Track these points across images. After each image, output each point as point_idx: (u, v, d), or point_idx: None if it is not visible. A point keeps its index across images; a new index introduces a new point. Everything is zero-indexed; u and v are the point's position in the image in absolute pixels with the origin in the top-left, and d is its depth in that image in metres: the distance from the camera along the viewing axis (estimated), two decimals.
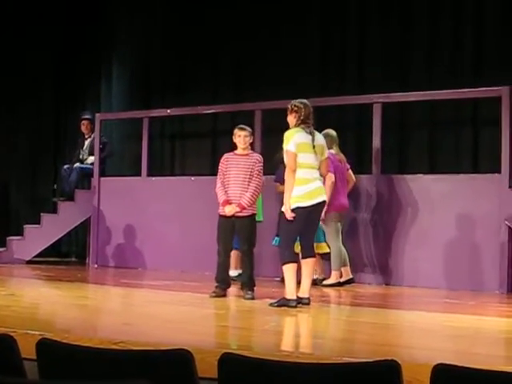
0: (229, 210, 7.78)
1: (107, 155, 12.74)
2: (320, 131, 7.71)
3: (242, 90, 12.66)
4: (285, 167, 7.39)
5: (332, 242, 9.35)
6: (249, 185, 7.85)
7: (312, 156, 7.27)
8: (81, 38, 14.28)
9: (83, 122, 12.93)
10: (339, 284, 9.39)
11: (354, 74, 11.81)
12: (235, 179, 7.88)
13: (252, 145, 10.08)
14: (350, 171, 9.75)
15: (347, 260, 9.51)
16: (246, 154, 8.02)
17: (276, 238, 9.52)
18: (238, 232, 7.92)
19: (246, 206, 7.81)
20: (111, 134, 13.72)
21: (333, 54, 12.03)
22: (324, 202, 7.34)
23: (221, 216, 7.93)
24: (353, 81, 11.74)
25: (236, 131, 8.07)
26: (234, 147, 8.22)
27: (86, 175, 12.81)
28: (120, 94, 14.06)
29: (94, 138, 12.72)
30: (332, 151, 9.34)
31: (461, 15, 11.03)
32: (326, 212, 9.10)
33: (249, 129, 8.14)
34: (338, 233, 9.38)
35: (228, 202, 7.82)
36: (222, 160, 8.09)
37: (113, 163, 13.35)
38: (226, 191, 7.88)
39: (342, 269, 9.50)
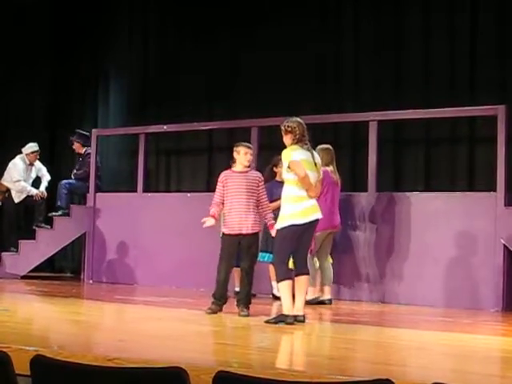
0: (207, 221, 7.76)
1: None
2: (315, 149, 7.67)
3: (238, 107, 12.67)
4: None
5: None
6: (253, 201, 7.79)
7: (311, 173, 7.25)
8: (78, 53, 14.34)
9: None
10: (316, 300, 9.27)
11: (350, 91, 11.83)
12: (239, 198, 7.81)
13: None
14: None
15: (331, 279, 9.43)
16: (246, 172, 7.96)
17: (262, 254, 9.48)
18: (243, 249, 7.84)
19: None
20: (107, 150, 13.75)
21: (328, 72, 12.06)
22: (318, 220, 7.33)
23: (226, 235, 7.89)
24: (349, 98, 11.76)
25: (241, 148, 7.92)
26: (229, 164, 8.18)
27: (72, 191, 12.85)
28: (117, 110, 14.08)
29: (82, 156, 12.76)
30: (329, 169, 9.28)
31: (456, 33, 11.07)
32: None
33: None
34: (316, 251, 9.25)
35: (214, 217, 7.78)
36: (220, 179, 7.94)
37: (108, 179, 13.39)
38: (221, 209, 7.88)
39: (325, 287, 9.42)
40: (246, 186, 7.83)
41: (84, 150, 12.84)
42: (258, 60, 12.45)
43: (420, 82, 11.26)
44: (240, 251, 7.91)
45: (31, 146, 12.83)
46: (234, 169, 8.03)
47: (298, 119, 7.42)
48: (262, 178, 8.07)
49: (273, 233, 7.59)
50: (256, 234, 7.91)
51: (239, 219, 7.79)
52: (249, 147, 7.99)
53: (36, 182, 13.04)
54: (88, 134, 12.98)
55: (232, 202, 7.82)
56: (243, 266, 7.94)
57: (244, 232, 7.79)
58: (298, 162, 7.15)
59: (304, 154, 7.26)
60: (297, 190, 7.19)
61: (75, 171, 12.86)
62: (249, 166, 8.04)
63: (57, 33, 14.60)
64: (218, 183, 7.96)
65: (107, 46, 14.21)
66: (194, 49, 13.16)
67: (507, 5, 10.70)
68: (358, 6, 11.91)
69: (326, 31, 12.09)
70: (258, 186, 7.88)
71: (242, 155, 7.91)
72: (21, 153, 12.85)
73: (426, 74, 11.26)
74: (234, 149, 8.01)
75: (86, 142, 12.84)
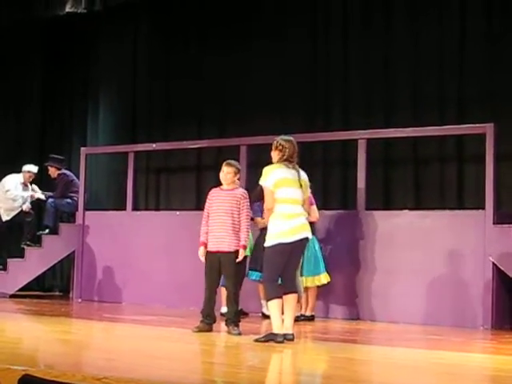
0: (201, 254, 7.89)
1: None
2: (305, 167, 7.65)
3: (227, 125, 12.70)
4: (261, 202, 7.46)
5: None
6: (233, 219, 7.85)
7: (297, 191, 7.25)
8: (67, 73, 14.36)
9: None
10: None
11: (339, 109, 11.85)
12: (218, 214, 7.88)
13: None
14: None
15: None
16: (231, 189, 8.01)
17: (251, 272, 9.46)
18: (223, 268, 7.89)
19: (247, 244, 7.94)
20: (97, 168, 13.73)
21: (318, 90, 12.08)
22: (307, 238, 7.31)
23: (207, 252, 7.93)
24: (338, 117, 11.78)
25: (223, 167, 8.06)
26: (219, 182, 8.21)
27: (59, 210, 12.82)
28: (106, 129, 14.08)
29: (57, 179, 12.74)
30: None
31: (445, 52, 11.12)
32: None
33: (236, 165, 8.11)
34: None
35: (204, 244, 7.88)
36: (208, 196, 8.11)
37: (97, 197, 13.37)
38: (206, 231, 7.91)
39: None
40: (228, 204, 7.90)
41: (57, 173, 12.77)
42: (247, 79, 12.49)
43: (409, 100, 11.28)
44: (222, 270, 7.94)
45: (28, 167, 12.81)
46: (222, 186, 8.08)
47: (292, 139, 7.40)
48: (247, 196, 8.06)
49: (240, 255, 7.78)
50: (234, 253, 7.88)
51: (218, 237, 7.85)
52: (228, 165, 8.03)
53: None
54: (62, 157, 13.01)
55: (214, 219, 7.91)
56: (226, 285, 8.06)
57: (222, 250, 7.84)
58: (270, 190, 7.17)
59: (288, 172, 7.24)
60: (285, 207, 7.18)
61: (51, 193, 12.81)
62: (232, 183, 8.06)
63: (46, 51, 14.63)
64: (207, 200, 8.09)
65: (97, 64, 14.22)
66: (183, 67, 13.18)
67: (495, 22, 10.77)
68: (347, 23, 11.94)
69: (315, 50, 12.13)
70: (240, 204, 7.91)
71: (222, 173, 8.04)
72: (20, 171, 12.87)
73: (414, 92, 11.29)
74: None
75: (60, 165, 12.83)
